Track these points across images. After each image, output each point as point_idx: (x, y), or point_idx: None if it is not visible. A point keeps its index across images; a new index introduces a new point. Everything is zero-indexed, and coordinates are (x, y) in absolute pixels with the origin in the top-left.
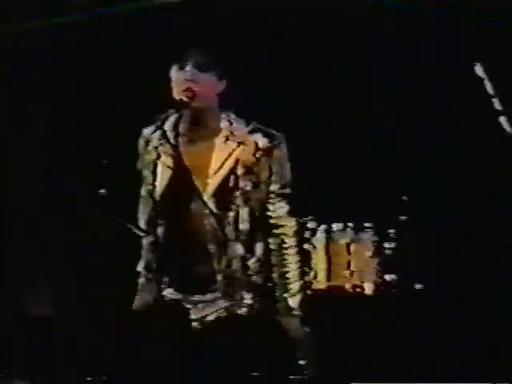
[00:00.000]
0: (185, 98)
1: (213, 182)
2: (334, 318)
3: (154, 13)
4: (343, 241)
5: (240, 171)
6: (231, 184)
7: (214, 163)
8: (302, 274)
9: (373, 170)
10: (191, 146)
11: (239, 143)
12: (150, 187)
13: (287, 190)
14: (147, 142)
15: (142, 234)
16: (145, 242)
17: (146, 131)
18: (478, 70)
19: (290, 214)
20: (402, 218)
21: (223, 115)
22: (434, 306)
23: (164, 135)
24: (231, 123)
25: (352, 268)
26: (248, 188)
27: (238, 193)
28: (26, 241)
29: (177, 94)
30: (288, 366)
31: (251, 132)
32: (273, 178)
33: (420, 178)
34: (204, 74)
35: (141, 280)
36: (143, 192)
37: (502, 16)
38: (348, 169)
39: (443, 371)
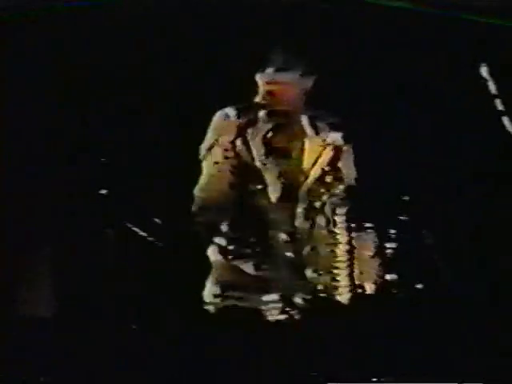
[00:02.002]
0: (264, 102)
1: (307, 181)
2: (334, 317)
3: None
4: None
5: (325, 170)
6: (319, 183)
7: (306, 163)
8: (351, 276)
9: (373, 169)
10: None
11: (325, 143)
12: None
13: (350, 193)
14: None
15: (143, 234)
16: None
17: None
18: (483, 70)
19: (349, 215)
20: (403, 218)
21: (305, 114)
22: (435, 305)
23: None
24: (314, 121)
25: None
26: (327, 187)
27: (323, 191)
28: (25, 240)
29: (259, 97)
30: None
31: (330, 130)
32: (339, 180)
33: (421, 178)
34: (285, 74)
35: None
36: None
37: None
38: None
39: (443, 371)
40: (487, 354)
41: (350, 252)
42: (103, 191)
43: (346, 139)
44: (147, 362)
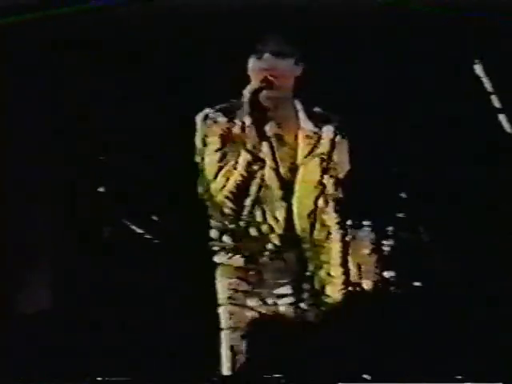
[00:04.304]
0: (262, 86)
1: (302, 171)
2: (332, 315)
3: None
4: None
5: (319, 161)
6: (315, 174)
7: (301, 153)
8: (347, 273)
9: (371, 167)
10: (274, 137)
11: (317, 133)
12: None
13: (342, 186)
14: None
15: (138, 231)
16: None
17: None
18: (478, 68)
19: (340, 209)
20: (401, 215)
21: (299, 102)
22: (433, 303)
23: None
24: (307, 110)
25: (350, 266)
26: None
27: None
28: (25, 240)
29: (255, 83)
30: None
31: (324, 121)
32: (332, 171)
33: (418, 176)
34: (282, 61)
35: None
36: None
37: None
38: None
39: (442, 370)
40: (487, 353)
41: (344, 247)
42: (101, 189)
43: (341, 133)
44: (146, 358)
